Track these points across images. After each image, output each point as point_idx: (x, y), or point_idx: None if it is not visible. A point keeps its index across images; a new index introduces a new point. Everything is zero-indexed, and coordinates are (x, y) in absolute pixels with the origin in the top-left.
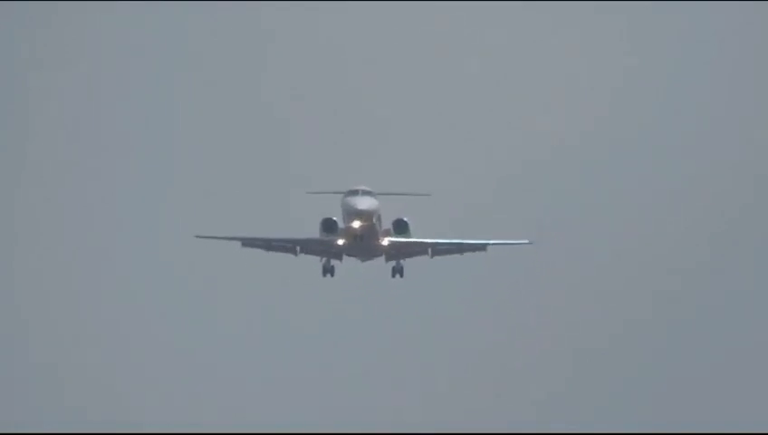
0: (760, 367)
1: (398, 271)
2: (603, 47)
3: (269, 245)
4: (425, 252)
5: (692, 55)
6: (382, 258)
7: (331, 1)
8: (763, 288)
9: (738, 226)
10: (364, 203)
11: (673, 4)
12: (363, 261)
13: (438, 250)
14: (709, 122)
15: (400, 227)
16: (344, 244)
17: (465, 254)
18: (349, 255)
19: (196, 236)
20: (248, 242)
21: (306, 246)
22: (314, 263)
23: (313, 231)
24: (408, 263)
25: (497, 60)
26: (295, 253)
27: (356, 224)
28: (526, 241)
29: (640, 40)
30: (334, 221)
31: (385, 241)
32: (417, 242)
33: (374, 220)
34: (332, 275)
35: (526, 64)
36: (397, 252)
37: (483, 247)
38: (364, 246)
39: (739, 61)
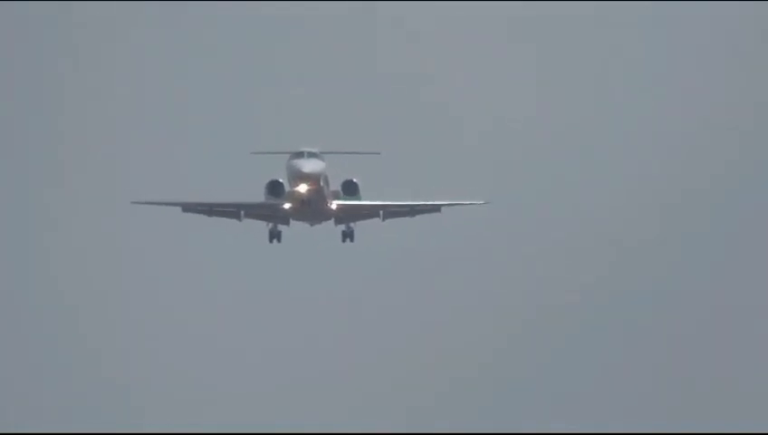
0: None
1: (348, 235)
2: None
3: (211, 210)
4: (376, 215)
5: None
6: (331, 222)
7: None
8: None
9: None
10: (310, 165)
11: (674, 5)
12: (312, 225)
13: (390, 213)
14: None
15: (350, 188)
16: (291, 208)
17: (417, 216)
18: (296, 219)
19: (133, 202)
20: (189, 207)
21: (251, 211)
22: (260, 228)
23: (258, 195)
24: (358, 226)
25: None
26: (239, 218)
27: (302, 187)
28: (482, 201)
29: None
30: (280, 184)
31: (334, 204)
32: (367, 205)
33: (321, 183)
34: (279, 241)
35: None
36: (346, 215)
37: (437, 209)
38: (312, 210)
39: (738, 60)
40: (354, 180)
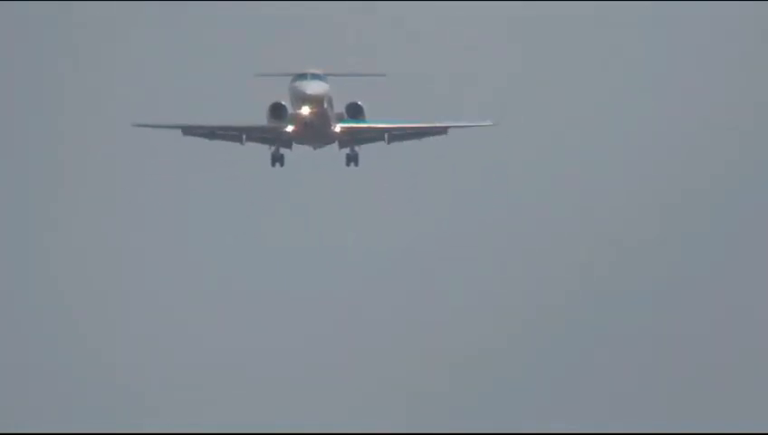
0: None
1: (352, 159)
2: None
3: (212, 133)
4: (381, 138)
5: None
6: (335, 145)
7: None
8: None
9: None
10: (313, 87)
11: (674, 5)
12: (315, 149)
13: (395, 135)
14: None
15: (355, 111)
16: (294, 131)
17: (423, 139)
18: (299, 142)
19: (134, 125)
20: (190, 130)
21: (253, 134)
22: (262, 152)
23: (261, 118)
24: (363, 150)
25: None
26: (241, 141)
27: (305, 110)
28: (489, 123)
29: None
30: (283, 106)
31: (338, 127)
32: (372, 127)
33: (325, 105)
34: (282, 165)
35: None
36: (351, 138)
37: (443, 131)
38: (315, 133)
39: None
40: (359, 103)
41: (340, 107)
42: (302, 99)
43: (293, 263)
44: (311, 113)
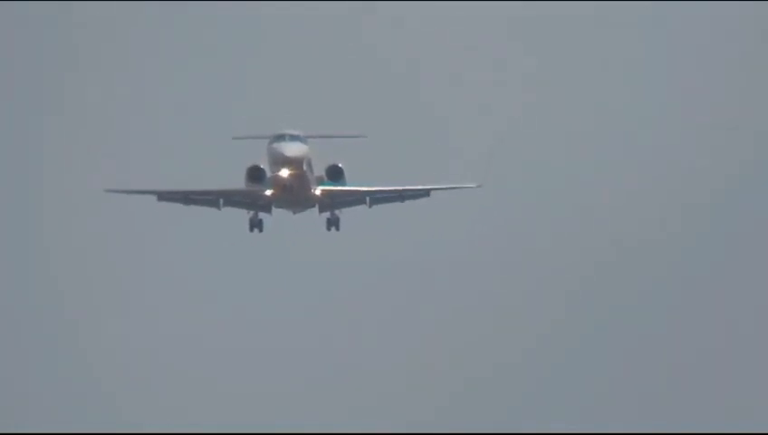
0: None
1: (333, 223)
2: None
3: (188, 198)
4: (362, 201)
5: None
6: (315, 209)
7: None
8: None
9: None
10: (292, 149)
11: (674, 5)
12: (295, 213)
13: (377, 198)
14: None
15: (335, 173)
16: (273, 194)
17: (406, 201)
18: (278, 206)
19: (106, 191)
20: (164, 195)
21: (230, 198)
22: (240, 217)
23: (238, 181)
24: (344, 213)
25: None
26: (218, 206)
27: (284, 172)
28: (474, 185)
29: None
30: (261, 169)
31: (318, 190)
32: (353, 190)
33: (304, 167)
34: (261, 230)
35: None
36: (331, 202)
37: (426, 194)
38: (294, 196)
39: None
40: (339, 165)
41: (319, 170)
42: (281, 161)
43: (274, 331)
44: (290, 176)
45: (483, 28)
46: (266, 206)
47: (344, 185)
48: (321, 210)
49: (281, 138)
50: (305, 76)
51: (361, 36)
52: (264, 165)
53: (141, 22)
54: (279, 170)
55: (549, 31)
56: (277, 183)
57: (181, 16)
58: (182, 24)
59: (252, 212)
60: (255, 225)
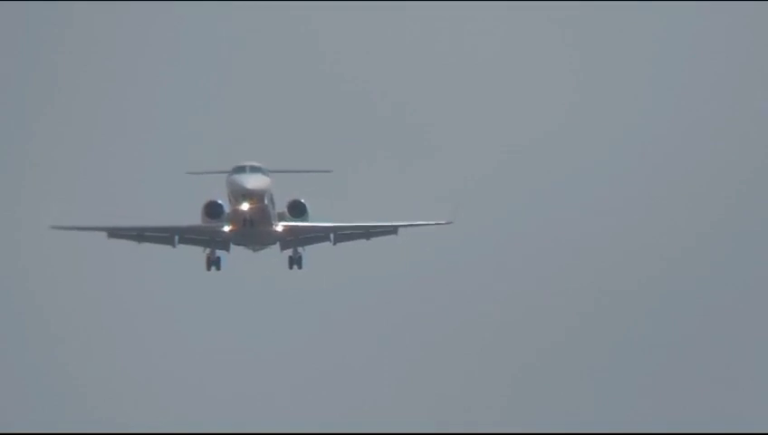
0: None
1: (295, 261)
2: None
3: (141, 235)
4: (326, 238)
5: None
6: (277, 247)
7: None
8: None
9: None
10: (253, 181)
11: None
12: (255, 251)
13: (342, 235)
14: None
15: (297, 209)
16: (231, 230)
17: (372, 239)
18: (237, 243)
19: (53, 227)
20: (116, 232)
21: (186, 235)
22: (197, 255)
23: (193, 218)
24: (307, 251)
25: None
26: (173, 244)
27: (244, 206)
28: (444, 221)
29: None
30: (219, 205)
31: (279, 226)
32: (317, 226)
33: (266, 201)
34: (219, 269)
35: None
36: (294, 239)
37: (393, 231)
38: (255, 232)
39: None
40: (302, 200)
41: (281, 206)
42: (242, 193)
43: (233, 378)
44: (250, 209)
45: (453, 58)
46: (225, 243)
47: (307, 221)
48: (282, 247)
49: (241, 169)
50: (264, 107)
51: (324, 64)
52: (221, 200)
53: (94, 50)
54: (239, 204)
55: (522, 62)
56: (237, 217)
57: (136, 43)
58: (136, 50)
59: (209, 250)
60: (213, 263)
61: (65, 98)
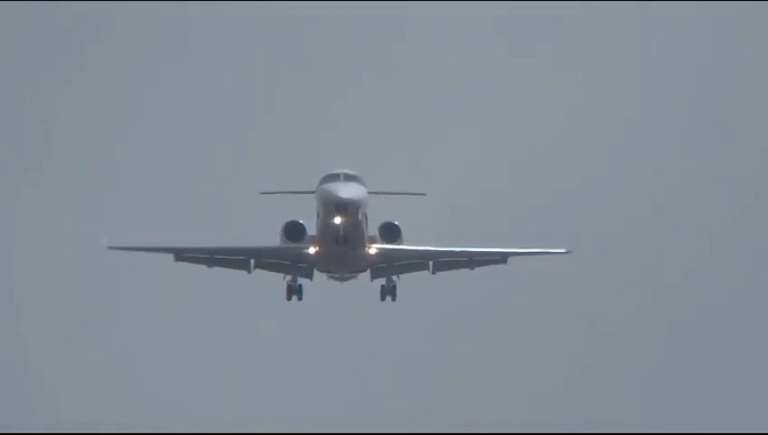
0: None
1: (388, 292)
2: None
3: (212, 258)
4: (425, 266)
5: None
6: (367, 275)
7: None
8: None
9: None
10: (349, 190)
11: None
12: (342, 280)
13: (443, 263)
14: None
15: (390, 232)
16: (318, 252)
17: (477, 269)
18: (323, 270)
19: (111, 248)
20: (184, 254)
21: (265, 258)
22: (275, 282)
23: (271, 242)
24: (402, 281)
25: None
26: (249, 268)
27: (337, 219)
28: (564, 250)
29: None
30: (301, 225)
31: (372, 249)
32: (415, 251)
33: (360, 217)
34: (300, 299)
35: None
36: (388, 265)
37: (503, 259)
38: (346, 253)
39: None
40: (396, 223)
41: (372, 229)
42: (335, 204)
43: (317, 421)
44: (344, 223)
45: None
46: (308, 269)
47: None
48: (373, 276)
49: (335, 177)
50: (344, 124)
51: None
52: (303, 220)
53: (165, 63)
54: (331, 217)
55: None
56: (327, 233)
57: (209, 58)
58: (210, 64)
59: (289, 277)
60: (294, 291)
61: (132, 114)
